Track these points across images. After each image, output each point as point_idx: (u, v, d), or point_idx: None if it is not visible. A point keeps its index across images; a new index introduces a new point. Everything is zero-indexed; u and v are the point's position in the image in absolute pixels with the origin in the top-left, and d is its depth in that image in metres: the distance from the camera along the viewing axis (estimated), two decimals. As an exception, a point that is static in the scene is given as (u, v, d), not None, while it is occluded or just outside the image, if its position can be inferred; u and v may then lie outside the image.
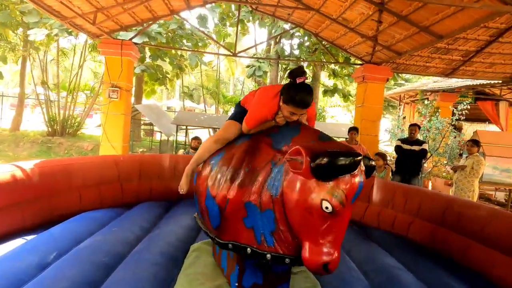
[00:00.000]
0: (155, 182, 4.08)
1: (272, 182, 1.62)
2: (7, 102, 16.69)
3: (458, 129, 8.76)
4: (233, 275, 1.99)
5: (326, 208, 1.38)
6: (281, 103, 1.86)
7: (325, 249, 1.41)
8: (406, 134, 6.95)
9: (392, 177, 5.42)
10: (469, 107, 7.39)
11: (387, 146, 11.27)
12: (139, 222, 3.14)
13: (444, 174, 8.56)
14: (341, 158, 1.38)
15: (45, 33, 8.47)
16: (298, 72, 1.83)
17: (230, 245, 1.77)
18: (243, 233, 1.72)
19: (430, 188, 8.22)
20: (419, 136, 7.61)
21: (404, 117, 12.05)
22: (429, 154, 7.75)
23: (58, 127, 11.51)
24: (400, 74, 11.01)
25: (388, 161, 8.85)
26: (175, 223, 3.17)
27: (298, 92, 1.78)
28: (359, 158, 1.43)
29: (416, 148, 5.25)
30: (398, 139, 5.70)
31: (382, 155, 5.00)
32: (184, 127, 9.88)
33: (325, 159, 1.37)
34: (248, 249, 1.68)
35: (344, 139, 5.69)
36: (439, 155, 7.78)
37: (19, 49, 11.86)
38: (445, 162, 7.98)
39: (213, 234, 1.93)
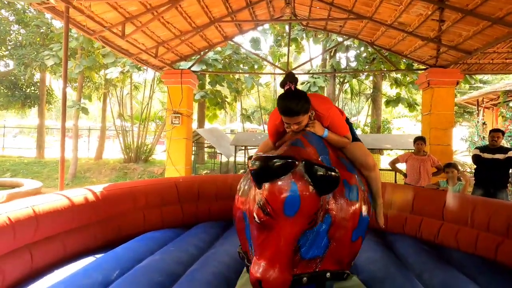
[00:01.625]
0: (213, 202, 4.15)
1: None
2: (95, 134, 19.03)
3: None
4: None
5: (255, 217, 1.33)
6: None
7: (261, 265, 1.32)
8: (487, 142, 6.12)
9: (473, 191, 4.76)
10: None
11: (465, 156, 10.06)
12: (196, 242, 3.19)
13: (542, 186, 7.27)
14: (269, 162, 1.29)
15: (119, 70, 9.54)
16: (284, 79, 1.79)
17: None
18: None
19: (525, 203, 7.04)
20: (505, 143, 6.66)
21: (485, 123, 10.72)
22: (520, 163, 6.70)
23: (132, 154, 12.67)
24: (474, 76, 9.89)
25: (467, 173, 7.88)
26: (230, 243, 3.15)
27: (281, 101, 1.76)
28: (288, 162, 1.32)
29: (500, 156, 4.55)
30: (476, 147, 5.02)
31: (454, 166, 4.42)
32: (243, 148, 10.10)
33: (255, 163, 1.31)
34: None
35: (411, 151, 5.20)
36: (534, 164, 6.66)
37: (102, 88, 13.56)
38: (542, 171, 6.79)
39: None
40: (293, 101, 1.74)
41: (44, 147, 14.53)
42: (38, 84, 14.30)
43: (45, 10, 4.28)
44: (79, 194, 3.01)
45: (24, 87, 14.13)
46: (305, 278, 1.54)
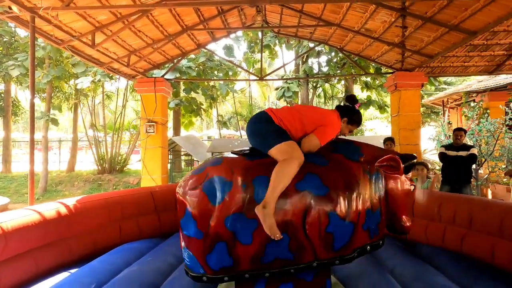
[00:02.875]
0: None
1: (376, 186, 2.03)
2: (66, 146, 18.35)
3: (517, 129, 7.98)
4: None
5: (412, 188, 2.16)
6: (343, 124, 2.27)
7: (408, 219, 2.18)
8: (452, 140, 6.47)
9: (441, 187, 5.01)
10: (524, 103, 6.75)
11: (434, 155, 10.54)
12: (174, 251, 3.17)
13: (504, 180, 7.75)
14: (412, 161, 2.11)
15: (89, 80, 9.31)
16: (355, 99, 2.34)
17: (355, 254, 2.03)
18: (361, 237, 2.00)
19: (490, 196, 7.47)
20: (468, 141, 7.05)
21: (450, 123, 11.28)
22: (483, 159, 7.11)
23: (106, 165, 12.32)
24: (438, 78, 10.44)
25: (435, 171, 8.26)
26: (209, 250, 3.16)
27: (360, 116, 2.36)
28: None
29: (463, 153, 4.83)
30: (442, 146, 5.30)
31: (424, 164, 4.66)
32: (219, 154, 10.09)
33: (407, 162, 2.08)
34: (368, 247, 2.07)
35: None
36: (495, 160, 7.09)
37: (72, 98, 13.13)
38: (503, 166, 7.25)
39: (332, 255, 1.98)
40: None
41: (10, 161, 13.84)
42: (2, 95, 13.66)
43: (9, 19, 4.16)
44: (50, 208, 2.92)
45: (-13, 99, 13.47)
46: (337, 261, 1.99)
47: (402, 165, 2.01)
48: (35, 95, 11.99)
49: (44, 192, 10.54)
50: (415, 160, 2.16)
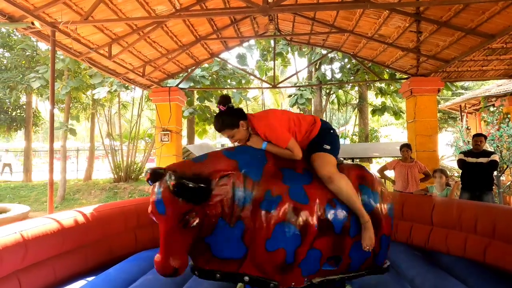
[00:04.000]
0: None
1: None
2: (83, 155, 18.79)
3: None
4: None
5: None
6: (244, 129, 2.13)
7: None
8: (471, 146, 6.30)
9: (461, 195, 4.86)
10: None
11: (452, 161, 10.26)
12: (189, 260, 3.17)
13: (528, 187, 7.46)
14: (150, 172, 1.76)
15: (106, 90, 9.54)
16: (218, 101, 2.12)
17: None
18: None
19: (513, 204, 7.20)
20: (489, 147, 6.84)
21: (469, 128, 10.99)
22: (504, 166, 6.88)
23: (122, 174, 12.52)
24: (455, 83, 10.21)
25: (453, 178, 8.03)
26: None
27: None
28: (156, 171, 1.74)
29: (483, 160, 4.68)
30: (461, 152, 5.15)
31: (442, 171, 4.53)
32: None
33: (147, 171, 1.79)
34: None
35: (398, 158, 5.31)
36: (518, 166, 6.86)
37: (89, 108, 13.48)
38: (526, 172, 7.00)
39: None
40: (216, 119, 2.10)
41: (31, 170, 14.25)
42: (24, 106, 14.15)
43: (31, 34, 4.31)
44: (68, 217, 2.98)
45: (10, 110, 13.96)
46: (218, 275, 1.86)
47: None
48: (55, 106, 12.39)
49: (63, 200, 10.77)
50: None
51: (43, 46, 11.99)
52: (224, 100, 2.09)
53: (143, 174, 13.58)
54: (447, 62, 5.67)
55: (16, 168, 16.97)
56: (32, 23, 3.91)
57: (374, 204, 2.08)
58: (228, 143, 21.68)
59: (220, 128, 2.09)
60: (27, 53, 12.15)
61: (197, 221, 1.72)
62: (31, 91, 12.29)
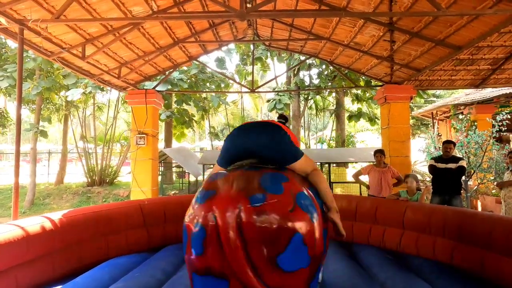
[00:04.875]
0: (181, 223, 4.05)
1: None
2: (56, 158, 18.07)
3: (505, 141, 8.11)
4: None
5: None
6: None
7: None
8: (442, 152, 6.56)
9: (431, 199, 5.03)
10: (509, 116, 6.88)
11: (424, 166, 10.65)
12: (163, 266, 3.10)
13: (494, 191, 7.84)
14: None
15: (80, 92, 9.24)
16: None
17: None
18: None
19: (479, 208, 7.53)
20: (458, 153, 7.14)
21: (440, 135, 11.45)
22: (472, 171, 7.20)
23: (96, 177, 12.13)
24: (426, 91, 10.64)
25: (425, 182, 8.32)
26: (198, 264, 3.10)
27: None
28: None
29: (452, 165, 4.88)
30: (431, 158, 5.35)
31: (414, 176, 4.68)
32: (212, 166, 10.05)
33: None
34: None
35: (372, 163, 5.45)
36: (483, 171, 7.18)
37: (62, 109, 13.00)
38: (491, 178, 7.34)
39: None
40: None
41: (-4, 174, 13.54)
42: (-9, 106, 13.46)
43: (-3, 31, 4.12)
44: (34, 223, 2.84)
45: (-25, 110, 13.24)
46: None
47: None
48: (25, 107, 11.82)
49: (32, 205, 10.30)
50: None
51: (12, 43, 11.47)
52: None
53: (118, 178, 13.22)
54: (419, 71, 5.90)
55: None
56: (-2, 20, 3.74)
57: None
58: (206, 147, 21.54)
59: None
60: (-5, 51, 11.59)
61: None
62: (-1, 91, 11.71)
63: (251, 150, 1.88)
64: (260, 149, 1.88)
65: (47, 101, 12.39)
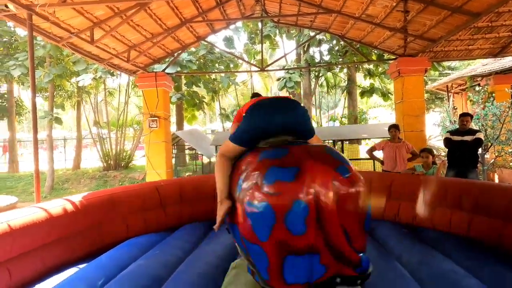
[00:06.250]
0: (196, 203, 4.14)
1: None
2: (71, 144, 18.50)
3: (525, 112, 7.85)
4: None
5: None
6: None
7: None
8: (458, 126, 6.41)
9: (446, 173, 4.97)
10: (530, 85, 6.63)
11: (439, 141, 10.46)
12: (181, 244, 3.19)
13: (511, 163, 7.68)
14: None
15: (91, 77, 9.30)
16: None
17: None
18: None
19: (496, 181, 7.41)
20: (474, 126, 6.97)
21: (455, 108, 11.16)
22: (489, 144, 7.04)
23: (111, 162, 12.40)
24: (442, 63, 10.28)
25: (440, 157, 8.20)
26: (215, 242, 3.17)
27: None
28: None
29: (468, 138, 4.77)
30: (447, 131, 5.24)
31: (429, 150, 4.61)
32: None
33: None
34: None
35: (386, 139, 5.37)
36: (501, 144, 7.01)
37: (74, 96, 13.17)
38: (509, 150, 7.17)
39: None
40: None
41: (17, 161, 13.97)
42: (5, 96, 13.72)
43: (6, 18, 4.13)
44: (56, 206, 2.93)
45: (-9, 99, 13.55)
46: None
47: None
48: (37, 94, 12.00)
49: (51, 190, 10.65)
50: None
51: (22, 31, 11.53)
52: None
53: (133, 162, 13.49)
54: (434, 42, 5.68)
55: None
56: (6, 6, 3.73)
57: None
58: (218, 129, 21.59)
59: None
60: (5, 40, 11.70)
61: None
62: (12, 80, 11.90)
63: (289, 126, 1.84)
64: (296, 125, 1.86)
65: (59, 88, 12.56)
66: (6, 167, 14.11)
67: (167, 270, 2.58)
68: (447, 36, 5.36)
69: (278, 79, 10.85)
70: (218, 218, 1.76)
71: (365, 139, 11.45)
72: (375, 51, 8.88)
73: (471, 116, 5.17)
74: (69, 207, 3.03)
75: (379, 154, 5.37)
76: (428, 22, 5.28)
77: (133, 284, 2.29)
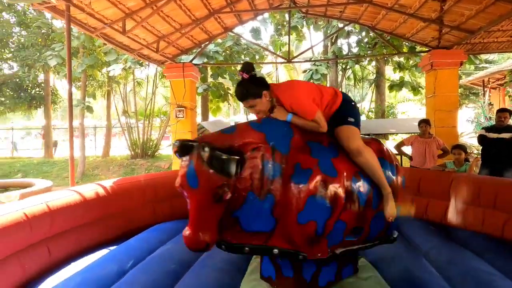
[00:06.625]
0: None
1: None
2: (101, 132, 19.26)
3: None
4: None
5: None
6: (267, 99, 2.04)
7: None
8: (494, 123, 6.07)
9: (480, 171, 4.75)
10: None
11: (472, 138, 9.99)
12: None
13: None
14: (178, 144, 1.67)
15: (121, 67, 9.58)
16: (240, 69, 2.01)
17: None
18: None
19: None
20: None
21: (491, 104, 10.60)
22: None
23: (139, 150, 12.79)
24: (478, 56, 9.74)
25: (472, 155, 7.83)
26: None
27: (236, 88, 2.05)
28: (187, 144, 1.65)
29: (505, 135, 4.52)
30: (482, 128, 4.99)
31: (462, 147, 4.42)
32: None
33: (175, 144, 1.69)
34: None
35: (416, 134, 5.20)
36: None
37: (105, 85, 13.64)
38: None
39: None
40: (240, 87, 2.00)
41: (52, 147, 14.71)
42: (42, 85, 14.42)
43: (46, 9, 4.32)
44: (90, 189, 3.08)
45: (29, 88, 14.27)
46: (247, 248, 1.84)
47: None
48: (72, 84, 12.52)
49: (83, 176, 11.15)
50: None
51: (58, 24, 12.03)
52: (248, 67, 1.98)
53: (159, 151, 13.85)
54: (472, 33, 5.39)
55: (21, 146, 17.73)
56: (47, -2, 3.91)
57: (392, 176, 2.13)
58: (241, 121, 21.69)
59: (242, 97, 2.00)
60: (43, 31, 12.25)
61: (229, 195, 1.68)
62: (49, 69, 12.47)
63: None
64: None
65: (91, 78, 13.04)
66: (42, 152, 14.90)
67: (193, 255, 2.64)
68: (488, 26, 5.06)
69: (304, 71, 10.71)
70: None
71: (392, 134, 11.13)
72: (407, 43, 8.54)
73: (510, 112, 4.89)
74: (101, 191, 3.17)
75: (407, 150, 5.22)
76: (467, 12, 4.99)
77: (162, 267, 2.38)
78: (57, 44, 10.32)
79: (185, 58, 7.84)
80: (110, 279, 2.27)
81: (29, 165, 12.39)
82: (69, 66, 4.20)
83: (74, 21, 4.69)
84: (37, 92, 14.47)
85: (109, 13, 4.93)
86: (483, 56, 14.20)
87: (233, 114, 29.43)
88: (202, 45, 7.36)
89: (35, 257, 2.38)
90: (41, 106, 14.83)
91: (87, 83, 12.70)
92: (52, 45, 10.59)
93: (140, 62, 9.35)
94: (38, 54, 11.84)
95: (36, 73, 12.69)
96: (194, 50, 7.70)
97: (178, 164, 1.76)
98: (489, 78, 10.95)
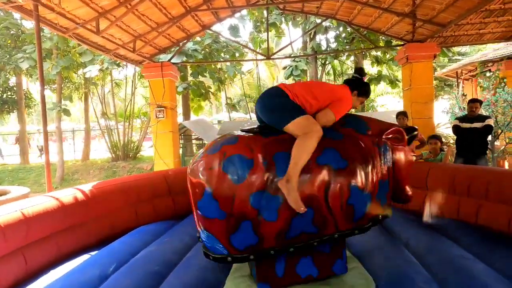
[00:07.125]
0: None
1: (385, 158, 2.15)
2: (80, 136, 18.73)
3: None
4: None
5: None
6: (354, 97, 2.32)
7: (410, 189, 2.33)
8: (466, 113, 6.30)
9: (455, 160, 4.92)
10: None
11: (448, 128, 10.31)
12: (190, 231, 3.23)
13: (521, 151, 7.55)
14: (413, 133, 2.32)
15: (97, 68, 9.34)
16: (364, 72, 2.43)
17: (370, 224, 2.16)
18: (375, 207, 2.12)
19: (507, 167, 7.32)
20: (484, 112, 6.84)
21: (465, 95, 10.95)
22: (499, 131, 6.92)
23: (120, 153, 12.54)
24: (451, 48, 10.07)
25: (449, 144, 8.10)
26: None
27: (369, 88, 2.44)
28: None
29: (477, 125, 4.70)
30: (456, 118, 5.17)
31: (437, 137, 4.57)
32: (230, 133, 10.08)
33: (410, 134, 2.25)
34: (380, 216, 2.19)
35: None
36: (512, 130, 6.88)
37: (82, 87, 13.25)
38: (521, 137, 7.03)
39: (352, 226, 2.10)
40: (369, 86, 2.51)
41: (28, 153, 14.21)
42: (14, 88, 13.87)
43: (13, 9, 4.14)
44: (68, 194, 3.00)
45: (0, 92, 13.69)
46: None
47: (406, 137, 2.14)
48: (45, 87, 12.12)
49: (62, 181, 10.84)
50: (416, 132, 2.36)
51: (28, 24, 11.57)
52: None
53: (141, 152, 13.61)
54: (444, 26, 5.56)
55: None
56: (13, -3, 3.75)
57: None
58: (224, 119, 21.59)
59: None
60: (12, 32, 11.75)
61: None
62: (20, 72, 12.00)
63: None
64: (260, 114, 2.36)
65: (67, 80, 12.64)
66: (18, 158, 14.36)
67: (177, 255, 2.64)
68: (457, 20, 5.23)
69: (284, 68, 10.75)
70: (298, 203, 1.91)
71: (373, 127, 11.32)
72: (383, 38, 8.72)
73: (480, 102, 5.08)
74: (80, 196, 3.09)
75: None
76: (438, 6, 5.15)
77: (145, 269, 2.35)
78: (28, 45, 9.94)
79: (164, 57, 7.73)
80: (91, 284, 2.22)
81: (3, 172, 11.93)
82: (40, 68, 4.06)
83: (44, 21, 4.52)
84: (9, 96, 13.89)
85: (81, 13, 4.78)
86: (456, 49, 14.68)
87: (216, 112, 29.23)
88: (180, 44, 7.26)
89: (11, 266, 2.30)
90: (14, 111, 14.26)
91: (62, 85, 12.31)
92: (23, 47, 10.20)
93: (118, 62, 9.14)
94: (8, 56, 11.36)
95: (7, 76, 12.17)
96: (172, 49, 7.60)
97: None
98: (462, 70, 11.32)
